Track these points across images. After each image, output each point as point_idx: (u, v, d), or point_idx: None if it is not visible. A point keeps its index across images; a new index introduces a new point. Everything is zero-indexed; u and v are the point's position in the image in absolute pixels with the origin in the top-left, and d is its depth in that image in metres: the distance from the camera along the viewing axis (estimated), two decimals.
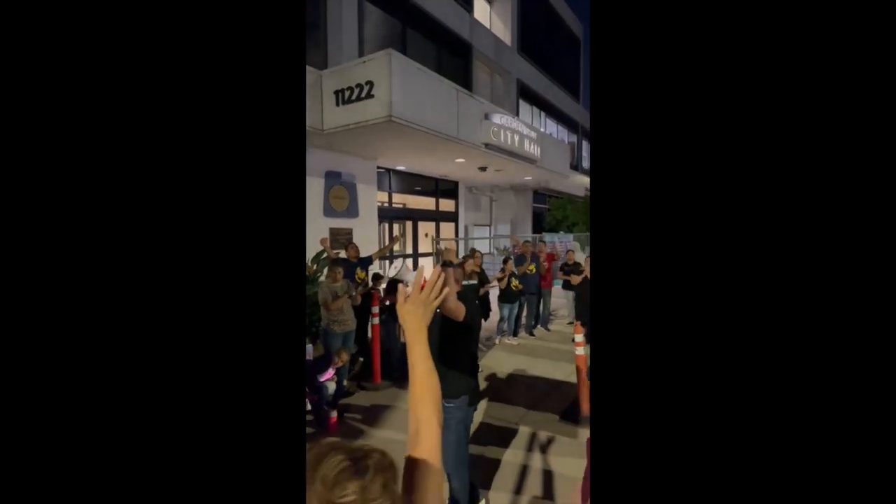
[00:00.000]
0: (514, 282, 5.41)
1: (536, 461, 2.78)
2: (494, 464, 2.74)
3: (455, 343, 1.92)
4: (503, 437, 3.10)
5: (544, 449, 2.93)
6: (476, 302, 4.64)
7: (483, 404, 3.67)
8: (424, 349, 0.81)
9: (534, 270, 5.80)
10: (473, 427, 3.19)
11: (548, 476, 2.61)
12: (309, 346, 4.07)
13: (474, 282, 4.59)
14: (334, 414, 3.27)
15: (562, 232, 10.48)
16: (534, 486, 2.52)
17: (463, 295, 4.68)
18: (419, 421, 0.73)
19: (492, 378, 4.37)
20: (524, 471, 2.67)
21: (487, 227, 11.43)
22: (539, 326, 6.41)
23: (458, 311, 1.80)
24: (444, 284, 0.84)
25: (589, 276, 5.47)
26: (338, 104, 5.15)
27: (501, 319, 5.66)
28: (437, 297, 0.83)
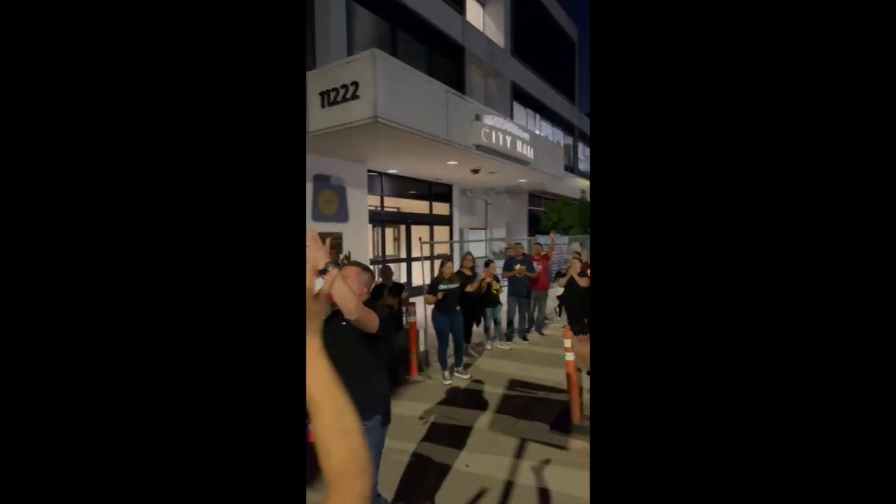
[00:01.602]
0: (496, 285, 5.28)
1: (524, 475, 2.64)
2: (479, 479, 2.60)
3: (366, 357, 1.71)
4: (490, 448, 2.96)
5: (533, 461, 2.79)
6: (457, 308, 4.50)
7: (471, 413, 3.54)
8: (319, 376, 0.58)
9: (523, 273, 5.64)
10: (457, 437, 3.07)
11: (537, 492, 2.47)
12: None
13: (455, 285, 4.44)
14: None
15: (558, 234, 10.35)
16: (521, 502, 2.38)
17: (443, 300, 4.50)
18: (333, 477, 0.54)
19: (480, 386, 4.23)
20: (509, 486, 2.53)
21: (483, 231, 11.32)
22: (533, 331, 6.27)
23: (369, 320, 1.60)
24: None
25: (575, 276, 5.33)
26: (323, 106, 5.05)
27: (487, 323, 5.53)
28: (315, 297, 0.62)
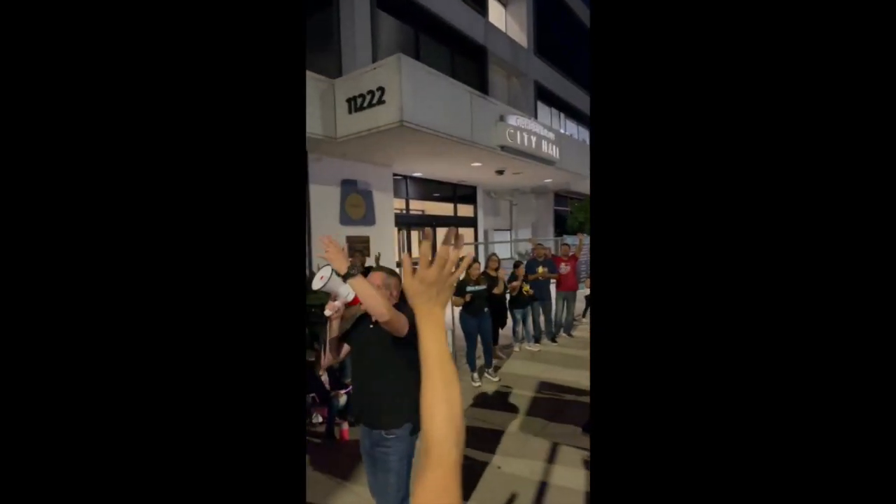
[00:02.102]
0: (526, 287, 5.23)
1: (557, 478, 2.61)
2: (511, 479, 2.58)
3: (396, 361, 1.65)
4: (522, 451, 2.94)
5: (566, 463, 2.75)
6: (485, 309, 4.47)
7: (501, 416, 3.52)
8: (438, 344, 0.62)
9: (546, 275, 5.52)
10: (489, 440, 3.05)
11: (569, 493, 2.44)
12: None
13: (482, 287, 4.41)
14: (346, 426, 3.19)
15: (586, 235, 10.18)
16: None
17: (470, 302, 4.45)
18: (432, 440, 0.57)
19: (509, 388, 4.20)
20: (543, 487, 2.50)
21: (508, 232, 11.25)
22: (562, 333, 6.18)
23: (400, 324, 1.56)
24: (457, 251, 0.63)
25: None
26: (350, 112, 5.14)
27: (515, 325, 5.47)
28: (453, 271, 0.63)
